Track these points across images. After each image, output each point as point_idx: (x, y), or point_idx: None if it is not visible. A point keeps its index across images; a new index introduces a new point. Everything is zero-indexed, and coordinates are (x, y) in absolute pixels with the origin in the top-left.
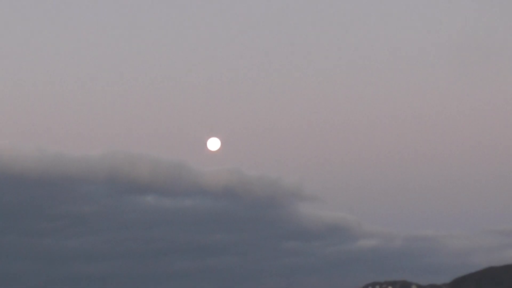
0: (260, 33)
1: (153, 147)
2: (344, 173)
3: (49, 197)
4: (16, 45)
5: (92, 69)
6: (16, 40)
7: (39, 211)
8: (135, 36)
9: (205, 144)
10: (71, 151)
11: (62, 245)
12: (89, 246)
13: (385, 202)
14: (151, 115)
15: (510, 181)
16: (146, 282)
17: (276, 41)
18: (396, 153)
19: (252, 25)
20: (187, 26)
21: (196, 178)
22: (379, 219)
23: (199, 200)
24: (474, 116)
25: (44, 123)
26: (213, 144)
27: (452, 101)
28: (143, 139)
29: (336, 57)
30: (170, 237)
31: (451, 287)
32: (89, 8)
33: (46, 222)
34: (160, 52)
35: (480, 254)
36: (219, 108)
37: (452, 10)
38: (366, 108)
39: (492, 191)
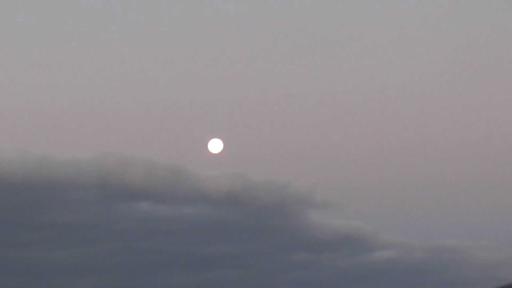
0: (269, 26)
1: (148, 149)
2: (360, 178)
3: (33, 205)
4: None
5: (80, 65)
6: None
7: (22, 220)
8: (126, 31)
9: (206, 146)
10: (58, 153)
11: (48, 257)
12: (78, 259)
13: (405, 210)
14: (145, 114)
15: None
16: None
17: (286, 35)
18: (416, 157)
19: (263, 18)
20: (184, 20)
21: (196, 183)
22: (398, 228)
23: (199, 207)
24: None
25: (27, 122)
26: (215, 146)
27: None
28: (137, 140)
29: (353, 54)
30: (167, 248)
31: None
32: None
33: (30, 232)
34: (155, 47)
35: (509, 267)
36: (221, 107)
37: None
38: (385, 109)
39: None
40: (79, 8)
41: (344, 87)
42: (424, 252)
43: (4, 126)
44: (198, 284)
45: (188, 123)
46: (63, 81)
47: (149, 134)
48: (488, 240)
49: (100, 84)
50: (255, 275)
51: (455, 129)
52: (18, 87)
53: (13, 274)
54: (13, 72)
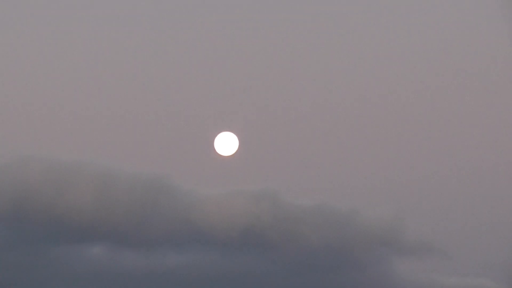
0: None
1: (107, 152)
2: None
3: None
4: None
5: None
6: None
7: None
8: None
9: (211, 143)
10: None
11: None
12: None
13: None
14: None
15: None
16: None
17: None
18: None
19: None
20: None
21: (189, 210)
22: None
23: (199, 253)
24: None
25: None
26: (225, 143)
27: None
28: (87, 140)
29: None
30: None
31: None
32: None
33: None
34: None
35: None
36: (235, 86)
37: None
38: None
39: None
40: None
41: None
42: None
43: None
44: None
45: (183, 110)
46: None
47: (107, 129)
48: None
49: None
50: None
51: None
52: None
53: None
54: None
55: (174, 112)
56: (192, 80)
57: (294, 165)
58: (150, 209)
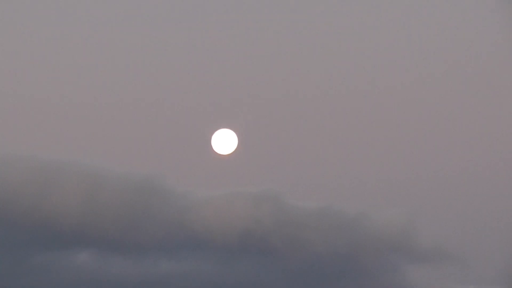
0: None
1: (95, 151)
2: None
3: None
4: None
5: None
6: None
7: None
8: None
9: (208, 142)
10: None
11: None
12: None
13: None
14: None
15: None
16: None
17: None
18: None
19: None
20: None
21: (187, 213)
22: None
23: (195, 260)
24: None
25: None
26: (223, 141)
27: None
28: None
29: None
30: None
31: None
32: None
33: None
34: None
35: None
36: (234, 78)
37: None
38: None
39: None
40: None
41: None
42: None
43: None
44: None
45: (179, 106)
46: None
47: (96, 126)
48: None
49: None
50: None
51: None
52: None
53: None
54: None
55: (167, 107)
56: (187, 73)
57: (298, 165)
58: (142, 213)
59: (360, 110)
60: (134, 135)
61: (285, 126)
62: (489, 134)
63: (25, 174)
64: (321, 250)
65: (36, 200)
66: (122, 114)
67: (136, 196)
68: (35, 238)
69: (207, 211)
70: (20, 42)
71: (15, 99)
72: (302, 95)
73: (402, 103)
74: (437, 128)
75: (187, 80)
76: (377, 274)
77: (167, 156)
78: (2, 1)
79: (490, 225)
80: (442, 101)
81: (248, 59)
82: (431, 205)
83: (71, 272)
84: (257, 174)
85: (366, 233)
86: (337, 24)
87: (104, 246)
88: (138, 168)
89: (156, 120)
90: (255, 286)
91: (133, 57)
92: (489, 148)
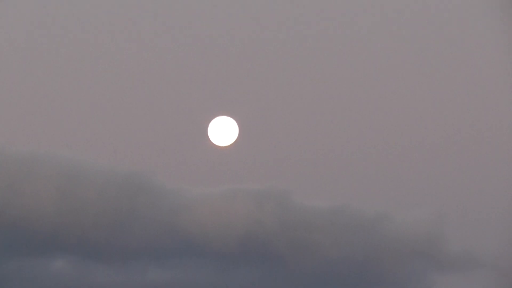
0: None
1: (73, 143)
2: None
3: None
4: None
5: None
6: None
7: None
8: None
9: (204, 131)
10: None
11: None
12: None
13: None
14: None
15: None
16: None
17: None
18: None
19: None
20: None
21: (180, 214)
22: None
23: (189, 267)
24: None
25: None
26: (222, 130)
27: None
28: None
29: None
30: None
31: None
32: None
33: None
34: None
35: None
36: (233, 58)
37: None
38: None
39: None
40: None
41: None
42: None
43: None
44: None
45: (164, 88)
46: None
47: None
48: None
49: None
50: None
51: None
52: None
53: None
54: None
55: (156, 92)
56: (179, 51)
57: (308, 157)
58: (127, 213)
59: (384, 94)
60: (118, 124)
61: (293, 113)
62: None
63: None
64: (334, 256)
65: (5, 199)
66: (103, 100)
67: (121, 194)
68: (4, 242)
69: (202, 211)
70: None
71: None
72: (309, 79)
73: (433, 92)
74: (470, 120)
75: (180, 62)
76: (399, 284)
77: (157, 148)
78: None
79: None
80: (475, 97)
81: (247, 37)
82: (461, 204)
83: (46, 282)
84: (261, 168)
85: (387, 236)
86: (349, 8)
87: (84, 252)
88: (124, 161)
89: (143, 106)
90: None
91: (117, 41)
92: None
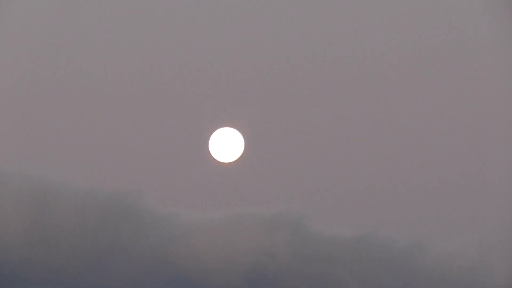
0: None
1: (40, 155)
2: None
3: None
4: None
5: None
6: None
7: None
8: None
9: (205, 145)
10: None
11: None
12: None
13: None
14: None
15: None
16: None
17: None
18: None
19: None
20: None
21: (173, 244)
22: None
23: None
24: None
25: None
26: (225, 144)
27: None
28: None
29: None
30: None
31: None
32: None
33: None
34: None
35: None
36: (239, 65)
37: None
38: None
39: None
40: None
41: None
42: None
43: None
44: None
45: (159, 96)
46: None
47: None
48: None
49: None
50: None
51: None
52: None
53: None
54: None
55: (148, 100)
56: (177, 57)
57: (325, 177)
58: (109, 243)
59: (415, 107)
60: (99, 137)
61: (309, 123)
62: None
63: None
64: None
65: None
66: (81, 108)
67: (101, 221)
68: None
69: (200, 241)
70: None
71: None
72: (326, 87)
73: (469, 103)
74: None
75: (178, 68)
76: None
77: (145, 164)
78: None
79: None
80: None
81: (253, 44)
82: (508, 233)
83: None
84: (270, 189)
85: (422, 270)
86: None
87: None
88: (105, 181)
89: (130, 115)
90: None
91: (109, 48)
92: None
